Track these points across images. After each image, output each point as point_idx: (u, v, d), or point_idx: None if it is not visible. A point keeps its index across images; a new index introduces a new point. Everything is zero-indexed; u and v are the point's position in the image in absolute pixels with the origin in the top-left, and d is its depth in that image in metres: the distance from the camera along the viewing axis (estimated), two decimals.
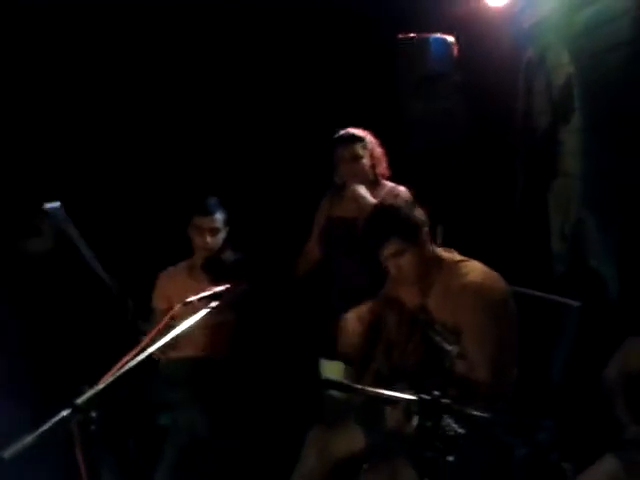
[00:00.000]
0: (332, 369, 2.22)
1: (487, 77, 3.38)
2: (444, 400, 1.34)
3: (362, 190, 2.64)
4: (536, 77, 3.30)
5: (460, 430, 1.32)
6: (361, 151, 2.70)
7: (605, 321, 2.23)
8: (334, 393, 2.13)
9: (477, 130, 3.45)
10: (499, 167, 3.62)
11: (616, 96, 2.30)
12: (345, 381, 2.08)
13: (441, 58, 3.09)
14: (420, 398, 1.35)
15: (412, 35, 3.10)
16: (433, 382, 1.74)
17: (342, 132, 2.76)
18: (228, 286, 1.81)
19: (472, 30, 3.28)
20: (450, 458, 1.31)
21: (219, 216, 2.55)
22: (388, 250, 1.95)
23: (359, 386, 1.62)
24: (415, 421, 1.40)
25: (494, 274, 2.01)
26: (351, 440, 2.02)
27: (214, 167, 3.42)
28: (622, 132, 2.27)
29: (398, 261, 1.96)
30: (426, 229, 2.01)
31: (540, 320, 2.18)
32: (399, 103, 3.19)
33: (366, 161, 2.71)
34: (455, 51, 3.12)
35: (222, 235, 2.56)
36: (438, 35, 3.10)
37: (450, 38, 3.10)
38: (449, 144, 3.21)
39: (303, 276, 2.83)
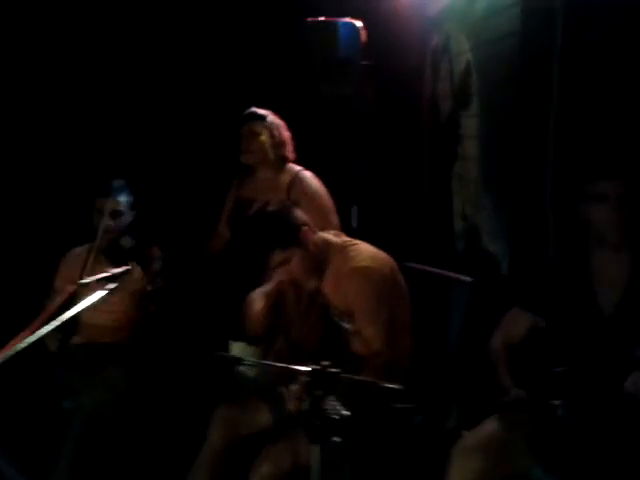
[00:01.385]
0: (240, 350, 2.26)
1: (395, 62, 3.48)
2: (333, 369, 1.40)
3: None
4: (441, 63, 3.43)
5: (345, 412, 1.37)
6: (259, 128, 2.73)
7: (497, 295, 2.38)
8: (242, 370, 2.18)
9: (385, 114, 3.55)
10: (408, 150, 3.76)
11: (506, 84, 2.43)
12: (251, 358, 2.13)
13: (349, 42, 3.13)
14: (311, 368, 1.41)
15: (321, 19, 3.13)
16: (330, 358, 1.81)
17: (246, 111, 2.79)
18: (128, 268, 1.80)
19: (381, 16, 3.37)
20: (336, 439, 1.36)
21: (122, 199, 2.51)
22: (274, 262, 1.98)
23: (262, 361, 1.66)
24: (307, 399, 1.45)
25: (381, 255, 2.09)
26: (257, 417, 2.07)
27: (123, 150, 3.35)
28: (511, 118, 2.41)
29: (286, 268, 2.00)
30: (305, 227, 2.03)
31: (437, 295, 2.30)
32: (308, 87, 3.23)
33: (265, 139, 2.74)
34: (363, 36, 3.17)
35: (126, 218, 2.53)
36: (347, 20, 3.14)
37: (358, 23, 3.15)
38: (357, 127, 3.28)
39: (215, 257, 2.85)
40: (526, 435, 1.73)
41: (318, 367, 1.40)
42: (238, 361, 1.77)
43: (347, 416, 1.36)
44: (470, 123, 2.93)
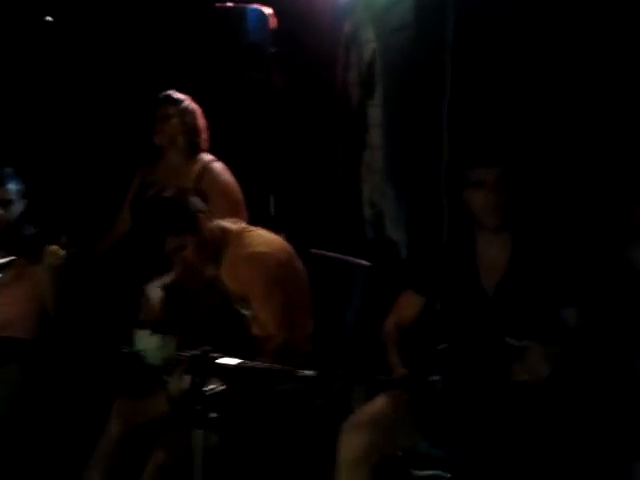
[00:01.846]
0: (145, 338, 2.24)
1: (309, 49, 3.50)
2: (213, 355, 1.42)
3: None
4: (351, 51, 3.47)
5: (221, 387, 1.39)
6: (171, 111, 2.70)
7: (396, 279, 2.46)
8: (147, 360, 2.17)
9: (299, 101, 3.57)
10: (322, 138, 3.79)
11: (404, 74, 2.50)
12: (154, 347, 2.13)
13: (258, 29, 3.13)
14: (191, 355, 1.42)
15: (229, 4, 3.11)
16: (231, 343, 1.83)
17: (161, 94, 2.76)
18: (13, 258, 1.76)
19: (294, 2, 3.37)
20: (213, 415, 1.38)
21: (12, 187, 2.43)
22: (168, 247, 1.98)
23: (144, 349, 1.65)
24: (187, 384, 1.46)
25: (277, 241, 2.13)
26: (155, 405, 2.07)
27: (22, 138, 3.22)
28: (408, 108, 2.48)
29: (181, 255, 2.00)
30: (200, 214, 2.03)
31: (338, 279, 2.36)
32: (220, 74, 3.21)
33: (176, 122, 2.70)
34: (273, 23, 3.17)
35: (16, 207, 2.45)
36: (255, 6, 3.13)
37: (268, 10, 3.14)
38: (270, 114, 3.29)
39: (111, 246, 2.80)
40: (411, 411, 1.82)
41: (198, 352, 1.41)
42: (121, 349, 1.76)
43: (223, 391, 1.38)
44: (375, 112, 2.99)
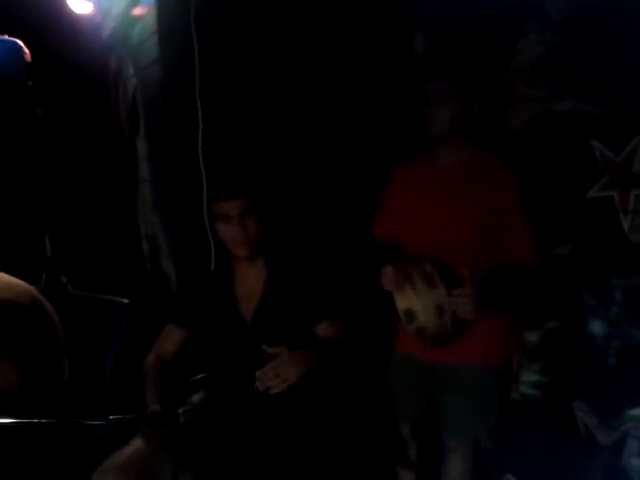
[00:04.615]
0: None
1: (74, 83, 3.36)
2: None
3: None
4: (119, 85, 3.41)
5: None
6: None
7: (161, 313, 2.41)
8: None
9: (69, 137, 3.40)
10: (96, 173, 3.65)
11: (160, 107, 2.51)
12: None
13: (9, 61, 2.93)
14: None
15: None
16: None
17: None
18: None
19: (58, 36, 3.23)
20: None
21: None
22: None
23: None
24: None
25: (19, 286, 1.96)
26: None
27: None
28: (169, 141, 2.49)
29: None
30: None
31: (96, 319, 2.25)
32: None
33: None
34: (28, 56, 3.00)
35: None
36: (4, 37, 2.93)
37: (19, 42, 2.97)
38: (33, 153, 3.09)
39: None
40: (168, 446, 1.77)
41: None
42: None
43: None
44: (141, 146, 2.96)
